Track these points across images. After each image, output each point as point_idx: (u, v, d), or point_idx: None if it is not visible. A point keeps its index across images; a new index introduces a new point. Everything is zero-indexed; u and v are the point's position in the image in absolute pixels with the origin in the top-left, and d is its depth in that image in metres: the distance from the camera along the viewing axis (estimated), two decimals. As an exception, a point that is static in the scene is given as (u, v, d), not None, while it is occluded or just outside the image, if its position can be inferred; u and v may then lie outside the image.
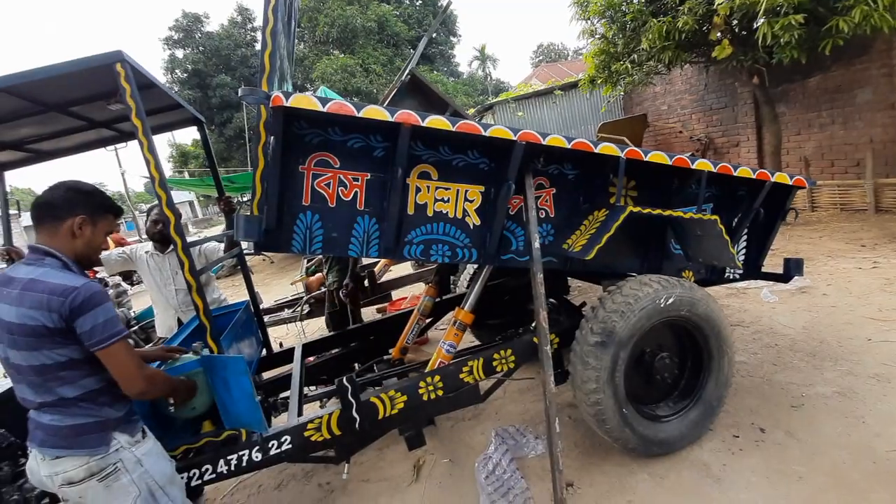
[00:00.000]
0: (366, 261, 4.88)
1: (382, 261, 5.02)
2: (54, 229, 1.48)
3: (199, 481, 1.90)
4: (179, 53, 22.92)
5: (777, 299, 3.87)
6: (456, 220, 2.18)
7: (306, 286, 4.43)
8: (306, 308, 4.37)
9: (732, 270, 2.82)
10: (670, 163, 2.22)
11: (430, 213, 2.14)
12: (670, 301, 2.17)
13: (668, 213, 2.19)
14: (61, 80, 1.76)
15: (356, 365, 3.11)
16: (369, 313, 4.69)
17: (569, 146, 2.05)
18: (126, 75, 1.69)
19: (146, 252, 3.14)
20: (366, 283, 4.38)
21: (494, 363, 2.32)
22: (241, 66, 23.07)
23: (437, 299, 3.28)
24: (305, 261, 5.06)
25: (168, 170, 23.72)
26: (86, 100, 2.09)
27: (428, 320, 3.34)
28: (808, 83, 6.38)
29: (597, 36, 5.81)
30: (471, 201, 2.20)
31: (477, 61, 39.32)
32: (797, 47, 4.16)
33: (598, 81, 6.70)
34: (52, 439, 1.42)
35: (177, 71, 22.95)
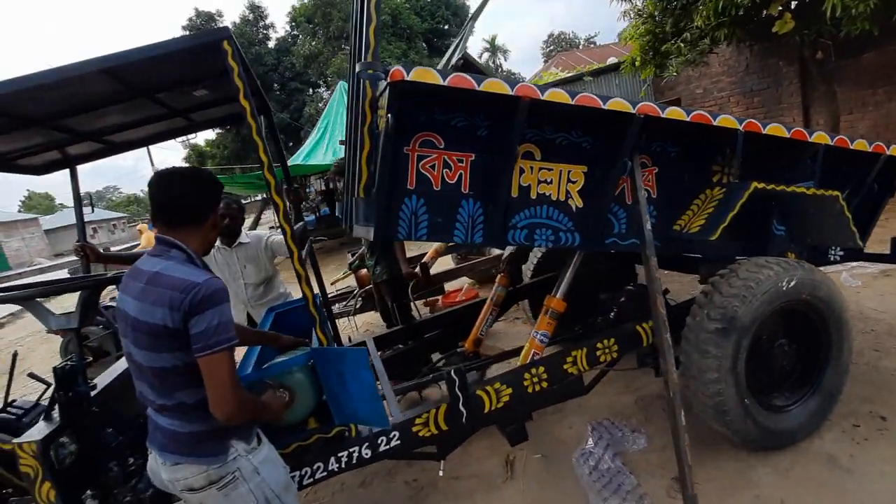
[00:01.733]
0: (412, 252, 4.79)
1: (430, 253, 4.91)
2: (196, 227, 1.41)
3: (311, 480, 1.82)
4: None
5: (860, 283, 3.68)
6: (559, 202, 2.06)
7: (358, 280, 4.35)
8: (359, 302, 4.30)
9: (835, 252, 2.65)
10: (788, 135, 2.07)
11: (533, 195, 2.02)
12: (792, 284, 2.03)
13: (791, 189, 2.04)
14: (160, 62, 1.67)
15: (432, 357, 3.02)
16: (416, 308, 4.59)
17: (688, 118, 1.91)
18: (233, 53, 1.60)
19: (213, 247, 3.07)
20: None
21: (598, 353, 2.20)
22: (255, 65, 23.04)
23: (510, 288, 3.17)
24: (351, 255, 4.97)
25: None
26: (173, 85, 2.00)
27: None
28: (863, 59, 6.10)
29: (644, 16, 5.59)
30: (573, 182, 2.07)
31: (487, 52, 38.92)
32: (869, 18, 3.94)
33: (637, 63, 6.49)
34: (171, 445, 1.34)
35: (192, 71, 22.99)
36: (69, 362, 1.76)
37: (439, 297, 4.77)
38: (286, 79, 24.37)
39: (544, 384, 2.12)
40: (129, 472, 1.77)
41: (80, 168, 2.65)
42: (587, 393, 2.31)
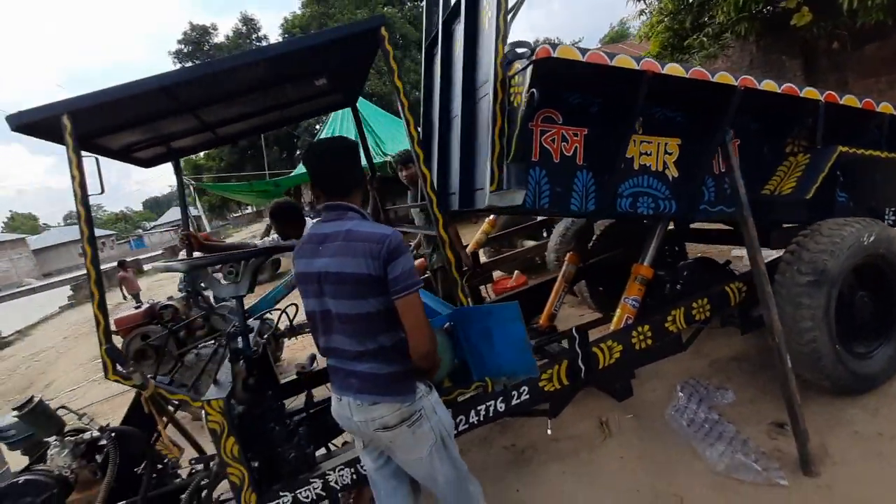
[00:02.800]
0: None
1: (472, 244, 5.07)
2: (359, 190, 1.58)
3: (455, 432, 1.95)
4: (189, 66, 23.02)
5: None
6: (658, 172, 2.25)
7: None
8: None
9: (889, 214, 2.87)
10: (860, 105, 2.29)
11: (636, 166, 2.20)
12: (871, 239, 2.23)
13: (869, 152, 2.25)
14: (318, 51, 1.82)
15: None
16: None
17: (779, 90, 2.11)
18: (389, 38, 1.76)
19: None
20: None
21: (693, 312, 2.37)
22: (251, 76, 23.13)
23: (580, 265, 3.34)
24: None
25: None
26: (304, 75, 2.15)
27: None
28: (865, 51, 6.45)
29: (665, 14, 5.88)
30: (670, 154, 2.26)
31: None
32: (885, 8, 4.23)
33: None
34: (370, 387, 1.46)
35: (187, 84, 22.96)
36: (235, 326, 1.88)
37: (487, 285, 4.91)
38: (281, 89, 24.43)
39: (649, 341, 2.28)
40: (290, 431, 1.88)
41: (59, 186, 2.78)
42: (685, 350, 2.48)
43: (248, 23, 25.22)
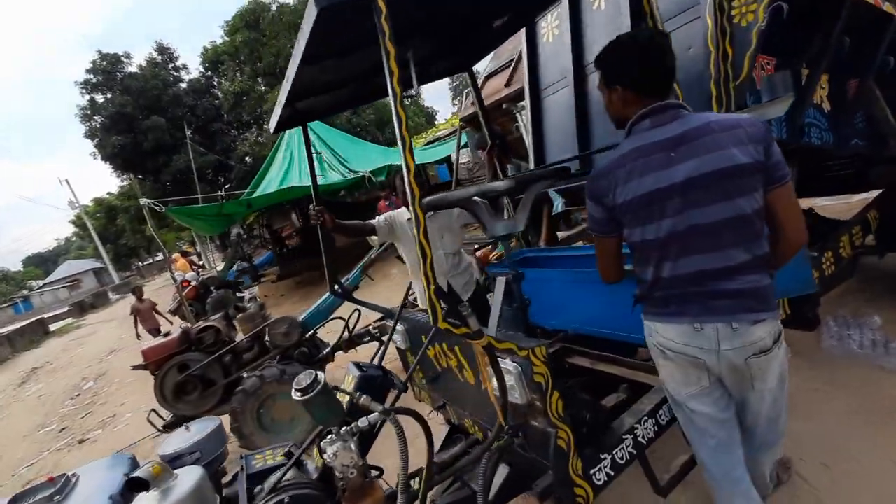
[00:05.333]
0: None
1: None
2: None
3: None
4: (100, 97, 20.70)
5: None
6: (818, 105, 2.37)
7: (479, 260, 4.28)
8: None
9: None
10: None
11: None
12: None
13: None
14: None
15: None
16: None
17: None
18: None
19: (407, 219, 2.90)
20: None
21: (853, 237, 2.50)
22: (174, 106, 21.36)
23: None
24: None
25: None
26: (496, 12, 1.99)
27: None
28: None
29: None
30: (823, 88, 2.40)
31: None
32: None
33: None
34: (751, 304, 1.28)
35: (96, 117, 20.65)
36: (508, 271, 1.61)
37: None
38: (206, 120, 22.91)
39: (833, 268, 2.35)
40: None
41: None
42: (852, 276, 2.59)
43: (164, 52, 23.50)
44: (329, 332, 4.30)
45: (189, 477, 1.28)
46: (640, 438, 1.58)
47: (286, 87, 1.66)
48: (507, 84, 4.74)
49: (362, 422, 1.34)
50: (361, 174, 10.08)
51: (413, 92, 2.67)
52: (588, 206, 1.48)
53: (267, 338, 3.83)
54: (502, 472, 1.56)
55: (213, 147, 22.06)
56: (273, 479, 1.41)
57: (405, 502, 1.22)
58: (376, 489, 1.36)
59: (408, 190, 1.22)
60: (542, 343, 1.37)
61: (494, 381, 1.32)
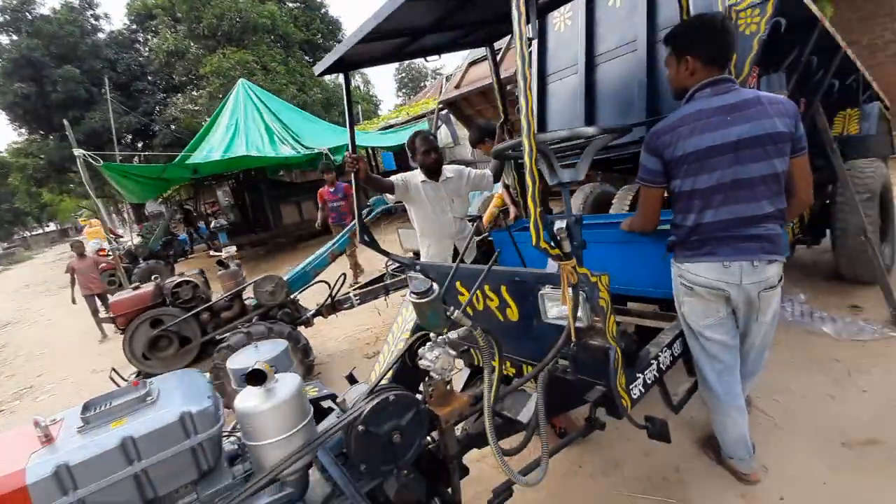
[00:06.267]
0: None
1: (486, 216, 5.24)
2: None
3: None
4: (4, 39, 17.79)
5: None
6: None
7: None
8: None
9: None
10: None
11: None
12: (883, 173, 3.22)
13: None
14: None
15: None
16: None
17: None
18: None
19: (421, 181, 3.02)
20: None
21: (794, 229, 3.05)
22: (91, 58, 18.91)
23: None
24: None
25: None
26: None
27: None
28: None
29: None
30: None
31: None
32: None
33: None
34: (771, 247, 1.64)
35: (-4, 60, 17.71)
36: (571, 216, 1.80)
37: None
38: (128, 78, 20.61)
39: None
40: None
41: None
42: (790, 259, 3.13)
43: (80, -6, 20.70)
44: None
45: (290, 381, 1.33)
46: (661, 365, 1.88)
47: (371, 23, 1.74)
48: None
49: (453, 334, 1.47)
50: (318, 151, 9.77)
51: (436, 57, 2.76)
52: (644, 160, 1.74)
53: (250, 296, 3.71)
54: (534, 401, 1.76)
55: (136, 109, 19.93)
56: (354, 391, 1.50)
57: (490, 402, 1.39)
58: (459, 396, 1.51)
59: (526, 124, 1.37)
60: (606, 273, 1.60)
61: (569, 302, 1.52)
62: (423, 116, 11.94)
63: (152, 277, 3.68)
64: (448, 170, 3.10)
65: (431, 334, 1.44)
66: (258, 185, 12.55)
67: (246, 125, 10.94)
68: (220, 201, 17.54)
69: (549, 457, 1.49)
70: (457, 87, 5.65)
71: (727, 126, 1.57)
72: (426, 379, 1.47)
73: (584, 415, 1.86)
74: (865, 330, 2.74)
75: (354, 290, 4.34)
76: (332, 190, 6.54)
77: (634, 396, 1.72)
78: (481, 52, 6.25)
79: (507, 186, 4.23)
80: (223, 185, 16.85)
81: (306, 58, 22.40)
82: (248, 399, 1.27)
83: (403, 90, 51.01)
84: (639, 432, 2.19)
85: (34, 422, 1.17)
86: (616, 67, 2.87)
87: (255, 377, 1.23)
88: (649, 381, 1.81)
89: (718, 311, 1.75)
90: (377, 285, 4.37)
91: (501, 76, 3.00)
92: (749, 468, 1.91)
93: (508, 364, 2.10)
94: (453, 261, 2.99)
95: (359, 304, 4.21)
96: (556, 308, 1.70)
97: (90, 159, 6.41)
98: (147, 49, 20.43)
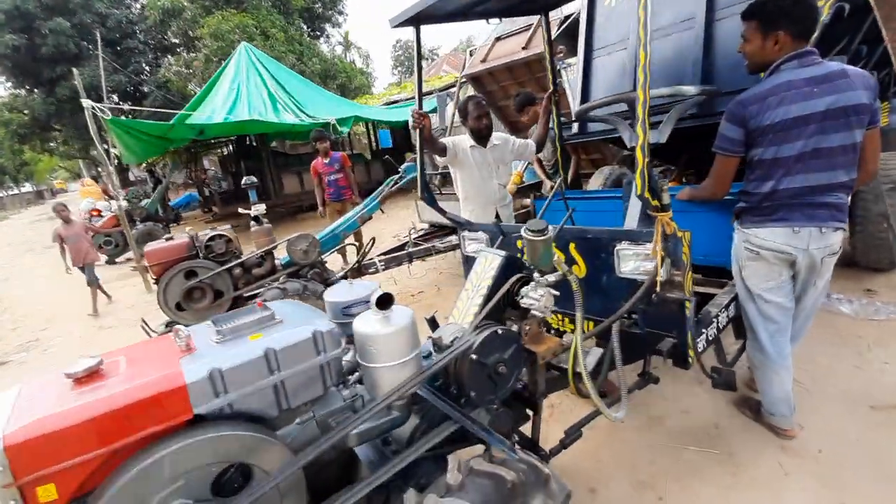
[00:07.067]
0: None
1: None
2: None
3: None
4: None
5: None
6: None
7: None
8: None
9: None
10: None
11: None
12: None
13: None
14: None
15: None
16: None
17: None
18: None
19: (470, 146, 3.05)
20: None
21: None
22: (82, 11, 18.02)
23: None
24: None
25: None
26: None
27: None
28: None
29: None
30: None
31: (340, 46, 37.75)
32: None
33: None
34: (839, 215, 1.75)
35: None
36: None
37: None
38: (119, 35, 19.77)
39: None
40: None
41: None
42: None
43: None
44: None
45: (404, 312, 1.38)
46: (719, 324, 1.99)
47: None
48: (525, 47, 4.99)
49: (550, 277, 1.55)
50: (325, 121, 9.63)
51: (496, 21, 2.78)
52: (725, 129, 1.82)
53: (283, 254, 3.72)
54: (596, 353, 1.84)
55: (125, 68, 19.17)
56: (447, 329, 1.57)
57: (578, 344, 1.48)
58: (551, 336, 1.59)
59: (643, 76, 1.42)
60: (689, 230, 1.69)
61: (659, 254, 1.60)
62: (430, 93, 11.83)
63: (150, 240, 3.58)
64: (495, 137, 3.14)
65: (535, 274, 1.51)
66: (258, 152, 12.31)
67: (248, 90, 10.67)
68: (204, 169, 17.10)
69: (628, 393, 1.59)
70: (483, 61, 5.63)
71: (814, 97, 1.65)
72: (526, 317, 1.54)
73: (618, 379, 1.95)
74: (881, 311, 2.92)
75: (379, 255, 4.38)
76: (326, 161, 5.67)
77: (699, 350, 1.84)
78: (508, 27, 6.22)
79: (539, 161, 4.33)
80: (209, 154, 16.42)
81: (305, 26, 21.79)
82: (370, 323, 1.32)
83: (399, 68, 50.16)
84: (675, 393, 2.34)
85: (174, 330, 1.20)
86: (669, 44, 2.92)
87: (384, 301, 1.29)
88: (710, 338, 1.93)
89: (781, 274, 1.86)
90: (401, 252, 4.42)
91: (527, 55, 3.01)
92: (789, 424, 2.06)
93: (567, 320, 2.20)
94: (495, 227, 3.06)
95: (383, 269, 4.27)
96: (631, 263, 1.79)
97: (97, 111, 6.21)
98: (140, 5, 19.54)
